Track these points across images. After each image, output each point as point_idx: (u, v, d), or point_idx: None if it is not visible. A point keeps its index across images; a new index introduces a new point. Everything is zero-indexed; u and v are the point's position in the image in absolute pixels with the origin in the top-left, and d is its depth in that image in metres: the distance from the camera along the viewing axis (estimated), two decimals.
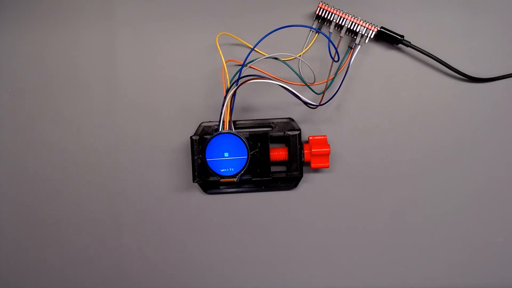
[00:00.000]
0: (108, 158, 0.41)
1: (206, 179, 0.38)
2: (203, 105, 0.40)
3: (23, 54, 0.41)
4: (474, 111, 0.41)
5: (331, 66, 0.39)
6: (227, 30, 0.39)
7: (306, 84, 0.38)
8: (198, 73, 0.40)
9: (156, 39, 0.41)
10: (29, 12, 0.40)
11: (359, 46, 0.39)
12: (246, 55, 0.37)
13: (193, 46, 0.40)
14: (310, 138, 0.39)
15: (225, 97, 0.36)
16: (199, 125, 0.40)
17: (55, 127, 0.41)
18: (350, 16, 0.38)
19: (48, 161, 0.41)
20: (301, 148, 0.39)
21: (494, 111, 0.41)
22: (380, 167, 0.41)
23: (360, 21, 0.38)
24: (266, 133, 0.38)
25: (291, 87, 0.35)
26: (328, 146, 0.39)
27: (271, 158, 0.38)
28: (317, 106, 0.38)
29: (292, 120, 0.40)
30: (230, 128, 0.36)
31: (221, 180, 0.36)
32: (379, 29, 0.39)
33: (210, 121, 0.40)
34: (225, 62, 0.36)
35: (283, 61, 0.38)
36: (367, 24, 0.38)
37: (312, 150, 0.38)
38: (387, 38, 0.39)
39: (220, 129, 0.36)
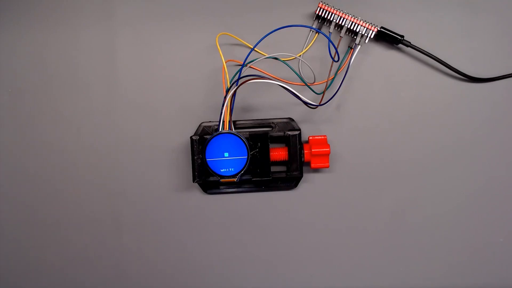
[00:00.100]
0: (108, 158, 0.41)
1: (206, 179, 0.38)
2: (203, 105, 0.40)
3: (23, 54, 0.41)
4: (474, 111, 0.41)
5: (331, 66, 0.39)
6: (227, 30, 0.39)
7: (306, 84, 0.38)
8: (198, 73, 0.40)
9: (156, 39, 0.41)
10: (29, 12, 0.40)
11: (359, 46, 0.39)
12: (246, 55, 0.37)
13: (193, 46, 0.40)
14: (310, 138, 0.39)
15: (225, 97, 0.36)
16: (199, 125, 0.40)
17: (55, 127, 0.41)
18: (350, 16, 0.38)
19: (48, 161, 0.41)
20: (301, 148, 0.39)
21: (494, 111, 0.41)
22: (380, 167, 0.41)
23: (360, 21, 0.38)
24: (266, 133, 0.38)
25: (291, 87, 0.35)
26: (328, 146, 0.39)
27: (271, 158, 0.38)
28: (317, 106, 0.38)
29: (292, 120, 0.40)
30: (230, 128, 0.36)
31: (221, 180, 0.36)
32: (379, 29, 0.39)
33: (210, 121, 0.40)
34: (225, 62, 0.36)
35: (283, 61, 0.38)
36: (367, 24, 0.38)
37: (312, 150, 0.38)
38: (387, 38, 0.39)
39: (220, 129, 0.36)
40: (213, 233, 0.41)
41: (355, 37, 0.39)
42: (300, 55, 0.40)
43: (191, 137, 0.38)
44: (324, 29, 0.40)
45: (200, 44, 0.40)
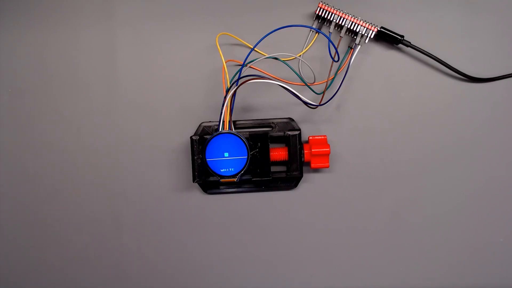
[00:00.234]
0: (108, 158, 0.41)
1: (206, 179, 0.38)
2: (203, 105, 0.40)
3: (23, 54, 0.41)
4: (474, 111, 0.41)
5: (331, 66, 0.39)
6: (227, 30, 0.39)
7: (306, 84, 0.38)
8: (198, 73, 0.40)
9: (156, 39, 0.41)
10: (29, 12, 0.40)
11: (359, 46, 0.39)
12: (246, 55, 0.37)
13: (193, 46, 0.40)
14: (310, 138, 0.39)
15: (225, 97, 0.36)
16: (199, 125, 0.40)
17: (55, 127, 0.41)
18: (350, 16, 0.38)
19: (48, 161, 0.41)
20: (301, 148, 0.39)
21: (494, 111, 0.41)
22: (380, 167, 0.41)
23: (360, 21, 0.38)
24: (266, 133, 0.38)
25: (291, 87, 0.35)
26: (328, 146, 0.39)
27: (271, 158, 0.38)
28: (317, 106, 0.38)
29: (292, 120, 0.40)
30: (230, 128, 0.36)
31: (221, 180, 0.36)
32: (379, 29, 0.39)
33: (210, 121, 0.40)
34: (225, 62, 0.36)
35: (283, 61, 0.38)
36: (367, 24, 0.38)
37: (312, 150, 0.38)
38: (387, 38, 0.39)
39: (220, 129, 0.36)
40: (213, 233, 0.41)
41: (355, 37, 0.39)
42: (300, 55, 0.40)
43: (191, 137, 0.38)
44: (324, 29, 0.40)
45: (200, 44, 0.40)
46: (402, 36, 0.39)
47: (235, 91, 0.36)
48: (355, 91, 0.40)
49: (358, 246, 0.41)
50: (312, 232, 0.41)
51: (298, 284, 0.41)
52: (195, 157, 0.38)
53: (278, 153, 0.39)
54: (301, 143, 0.39)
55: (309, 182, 0.41)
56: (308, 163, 0.39)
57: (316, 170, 0.41)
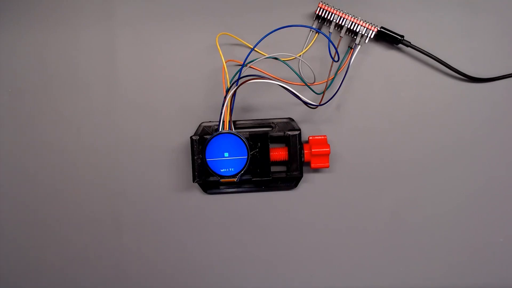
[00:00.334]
0: (108, 158, 0.41)
1: (206, 179, 0.38)
2: (203, 105, 0.40)
3: (23, 54, 0.41)
4: (474, 111, 0.41)
5: (331, 66, 0.39)
6: (227, 30, 0.39)
7: (306, 84, 0.38)
8: (198, 73, 0.40)
9: (156, 39, 0.41)
10: (29, 12, 0.40)
11: (359, 46, 0.39)
12: (246, 55, 0.37)
13: (193, 46, 0.40)
14: (310, 138, 0.39)
15: (225, 97, 0.36)
16: (199, 125, 0.40)
17: (55, 127, 0.41)
18: (350, 16, 0.38)
19: (48, 161, 0.41)
20: (301, 148, 0.39)
21: (494, 111, 0.41)
22: (380, 167, 0.41)
23: (360, 21, 0.38)
24: (266, 133, 0.38)
25: (291, 87, 0.35)
26: (328, 146, 0.39)
27: (271, 158, 0.38)
28: (317, 106, 0.38)
29: (292, 120, 0.40)
30: (230, 128, 0.36)
31: (221, 180, 0.36)
32: (379, 29, 0.39)
33: (210, 121, 0.40)
34: (225, 62, 0.36)
35: (283, 61, 0.38)
36: (367, 24, 0.38)
37: (312, 150, 0.38)
38: (387, 38, 0.39)
39: (220, 129, 0.36)
40: (213, 233, 0.41)
41: (355, 37, 0.39)
42: (300, 55, 0.40)
43: (191, 137, 0.38)
44: (324, 29, 0.40)
45: (200, 44, 0.40)
46: (402, 36, 0.39)
47: (235, 91, 0.36)
48: (355, 91, 0.40)
49: (358, 246, 0.41)
50: (312, 232, 0.41)
51: (298, 284, 0.41)
52: (195, 157, 0.38)
53: (278, 153, 0.39)
54: (301, 143, 0.39)
55: (309, 182, 0.41)
56: (308, 163, 0.39)
57: (316, 170, 0.41)
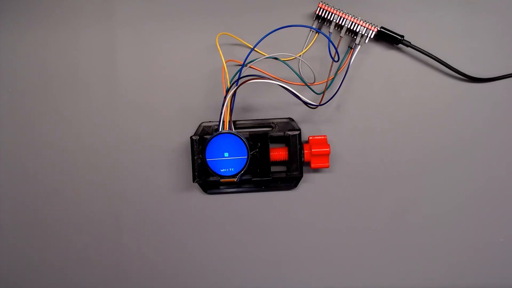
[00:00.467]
0: (108, 158, 0.41)
1: (206, 179, 0.38)
2: (203, 105, 0.40)
3: (23, 54, 0.41)
4: (474, 111, 0.41)
5: (331, 66, 0.39)
6: (227, 30, 0.39)
7: (306, 84, 0.38)
8: (198, 73, 0.40)
9: (156, 39, 0.41)
10: (29, 12, 0.40)
11: (359, 46, 0.39)
12: (246, 55, 0.37)
13: (193, 46, 0.40)
14: (310, 138, 0.39)
15: (225, 97, 0.36)
16: (199, 125, 0.40)
17: (55, 127, 0.41)
18: (350, 16, 0.38)
19: (48, 161, 0.41)
20: (301, 148, 0.39)
21: (494, 111, 0.41)
22: (380, 167, 0.41)
23: (360, 21, 0.38)
24: (266, 133, 0.38)
25: (291, 87, 0.35)
26: (328, 146, 0.39)
27: (271, 158, 0.38)
28: (317, 106, 0.38)
29: (292, 120, 0.40)
30: (230, 128, 0.36)
31: (221, 180, 0.36)
32: (379, 29, 0.39)
33: (210, 121, 0.40)
34: (225, 62, 0.36)
35: (283, 61, 0.38)
36: (367, 24, 0.38)
37: (312, 150, 0.38)
38: (387, 38, 0.39)
39: (220, 129, 0.36)
40: (213, 233, 0.41)
41: (355, 37, 0.39)
42: (300, 55, 0.40)
43: (191, 137, 0.38)
44: (324, 29, 0.40)
45: (200, 44, 0.40)
46: (402, 36, 0.39)
47: (235, 91, 0.36)
48: (355, 91, 0.40)
49: (358, 246, 0.41)
50: (312, 232, 0.41)
51: (298, 284, 0.41)
52: (195, 157, 0.38)
53: (278, 153, 0.39)
54: (301, 143, 0.39)
55: (309, 182, 0.41)
56: (308, 163, 0.39)
57: (316, 170, 0.41)
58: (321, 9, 0.39)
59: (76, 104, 0.41)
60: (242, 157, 0.36)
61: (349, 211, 0.41)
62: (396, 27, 0.39)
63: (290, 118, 0.40)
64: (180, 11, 0.40)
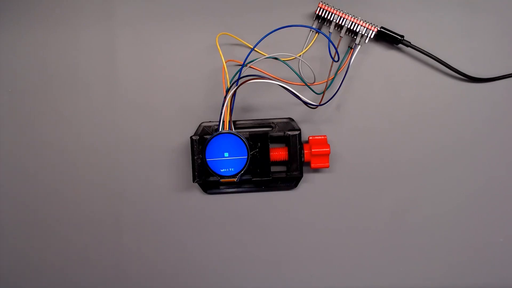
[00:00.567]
0: (108, 158, 0.41)
1: (206, 179, 0.38)
2: (203, 105, 0.40)
3: (23, 54, 0.41)
4: (474, 111, 0.41)
5: (331, 66, 0.39)
6: (227, 30, 0.39)
7: (306, 84, 0.38)
8: (198, 73, 0.40)
9: (156, 39, 0.41)
10: (29, 12, 0.40)
11: (359, 46, 0.39)
12: (246, 55, 0.37)
13: (193, 46, 0.40)
14: (310, 138, 0.39)
15: (225, 97, 0.36)
16: (199, 125, 0.40)
17: (55, 127, 0.41)
18: (350, 16, 0.38)
19: (48, 161, 0.41)
20: (301, 148, 0.39)
21: (494, 111, 0.41)
22: (380, 167, 0.41)
23: (360, 21, 0.38)
24: (266, 133, 0.38)
25: (291, 87, 0.35)
26: (328, 146, 0.39)
27: (271, 158, 0.38)
28: (317, 106, 0.38)
29: (292, 120, 0.40)
30: (230, 128, 0.36)
31: (221, 180, 0.36)
32: (379, 29, 0.39)
33: (210, 121, 0.40)
34: (225, 62, 0.36)
35: (283, 61, 0.38)
36: (367, 24, 0.38)
37: (312, 150, 0.38)
38: (387, 38, 0.39)
39: (220, 129, 0.36)
40: (213, 233, 0.41)
41: (355, 37, 0.39)
42: (300, 55, 0.40)
43: (191, 137, 0.38)
44: (324, 29, 0.40)
45: (200, 44, 0.40)
46: (402, 36, 0.39)
47: (235, 91, 0.36)
48: (355, 91, 0.40)
49: (358, 246, 0.41)
50: (312, 232, 0.41)
51: (298, 284, 0.41)
52: (195, 157, 0.38)
53: (278, 153, 0.39)
54: (301, 143, 0.39)
55: (309, 182, 0.41)
56: (308, 163, 0.39)
57: (316, 170, 0.41)
58: (321, 9, 0.39)
59: (76, 104, 0.41)
60: (242, 157, 0.36)
61: (349, 211, 0.41)
62: (396, 27, 0.39)
63: (290, 118, 0.40)
64: (180, 11, 0.40)
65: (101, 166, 0.41)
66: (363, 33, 0.39)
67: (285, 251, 0.41)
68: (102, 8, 0.41)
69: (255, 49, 0.38)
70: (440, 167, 0.41)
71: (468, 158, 0.41)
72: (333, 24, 0.39)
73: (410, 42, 0.39)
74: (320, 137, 0.39)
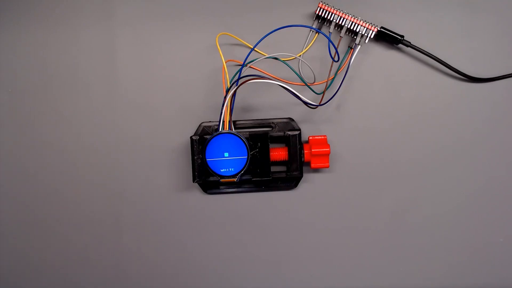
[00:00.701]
0: (108, 158, 0.41)
1: (206, 179, 0.38)
2: (203, 105, 0.40)
3: (23, 54, 0.41)
4: (474, 111, 0.41)
5: (331, 66, 0.39)
6: (227, 30, 0.39)
7: (306, 84, 0.38)
8: (198, 73, 0.40)
9: (156, 39, 0.41)
10: (29, 12, 0.40)
11: (359, 46, 0.39)
12: (246, 55, 0.37)
13: (193, 46, 0.40)
14: (310, 138, 0.39)
15: (225, 97, 0.36)
16: (199, 125, 0.40)
17: (55, 127, 0.41)
18: (350, 16, 0.38)
19: (48, 161, 0.41)
20: (301, 148, 0.39)
21: (494, 111, 0.41)
22: (380, 167, 0.41)
23: (360, 21, 0.38)
24: (266, 133, 0.38)
25: (291, 87, 0.35)
26: (328, 146, 0.39)
27: (271, 158, 0.38)
28: (317, 106, 0.38)
29: (292, 120, 0.40)
30: (230, 128, 0.36)
31: (221, 180, 0.36)
32: (379, 29, 0.39)
33: (210, 121, 0.40)
34: (225, 62, 0.36)
35: (283, 61, 0.38)
36: (367, 24, 0.38)
37: (312, 150, 0.38)
38: (387, 38, 0.39)
39: (220, 129, 0.36)
40: (213, 233, 0.41)
41: (355, 37, 0.39)
42: (300, 55, 0.40)
43: (191, 137, 0.38)
44: (324, 29, 0.40)
45: (200, 44, 0.40)
46: (402, 36, 0.39)
47: (235, 91, 0.36)
48: (355, 91, 0.40)
49: (358, 246, 0.41)
50: (312, 232, 0.41)
51: (298, 284, 0.41)
52: (195, 157, 0.38)
53: (278, 153, 0.39)
54: (301, 143, 0.39)
55: (309, 182, 0.41)
56: (308, 163, 0.39)
57: (316, 170, 0.41)
58: (321, 9, 0.39)
59: (76, 104, 0.41)
60: (242, 157, 0.36)
61: (349, 211, 0.41)
62: (396, 27, 0.39)
63: (290, 118, 0.40)
64: (180, 11, 0.40)
65: (101, 166, 0.41)
66: (363, 33, 0.39)
67: (285, 251, 0.41)
68: (102, 8, 0.41)
69: (255, 49, 0.38)
70: (440, 167, 0.41)
71: (468, 158, 0.41)
72: (333, 24, 0.39)
73: (410, 42, 0.39)
74: (320, 137, 0.39)
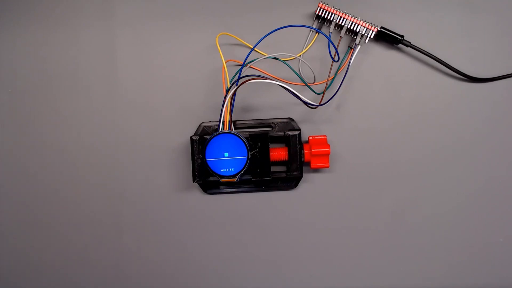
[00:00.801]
0: (108, 158, 0.41)
1: (206, 179, 0.38)
2: (203, 105, 0.40)
3: (23, 54, 0.41)
4: (474, 111, 0.41)
5: (331, 66, 0.39)
6: (227, 30, 0.39)
7: (306, 84, 0.38)
8: (198, 73, 0.40)
9: (156, 39, 0.41)
10: (29, 12, 0.40)
11: (359, 46, 0.39)
12: (246, 55, 0.37)
13: (193, 46, 0.40)
14: (310, 138, 0.39)
15: (225, 97, 0.36)
16: (199, 125, 0.40)
17: (55, 127, 0.41)
18: (350, 16, 0.38)
19: (48, 161, 0.41)
20: (301, 148, 0.39)
21: (494, 111, 0.41)
22: (380, 167, 0.41)
23: (360, 21, 0.38)
24: (266, 133, 0.38)
25: (291, 87, 0.35)
26: (328, 146, 0.39)
27: (271, 158, 0.38)
28: (317, 106, 0.38)
29: (292, 120, 0.40)
30: (230, 128, 0.36)
31: (221, 180, 0.36)
32: (379, 29, 0.39)
33: (210, 121, 0.40)
34: (225, 62, 0.36)
35: (283, 61, 0.38)
36: (367, 24, 0.38)
37: (312, 150, 0.38)
38: (387, 38, 0.39)
39: (220, 129, 0.36)
40: (213, 233, 0.41)
41: (355, 37, 0.39)
42: (300, 55, 0.40)
43: (191, 137, 0.38)
44: (324, 29, 0.40)
45: (200, 44, 0.40)
46: (402, 36, 0.39)
47: (235, 91, 0.36)
48: (355, 91, 0.40)
49: (358, 246, 0.41)
50: (312, 232, 0.41)
51: (298, 284, 0.41)
52: (195, 157, 0.38)
53: (278, 153, 0.39)
54: (301, 143, 0.39)
55: (309, 182, 0.41)
56: (308, 163, 0.39)
57: (316, 170, 0.41)
58: (321, 9, 0.39)
59: (76, 104, 0.41)
60: (242, 157, 0.36)
61: (349, 211, 0.41)
62: (396, 27, 0.39)
63: (290, 118, 0.40)
64: (180, 11, 0.40)
65: (101, 166, 0.41)
66: (363, 33, 0.39)
67: (285, 251, 0.41)
68: (102, 8, 0.41)
69: (255, 49, 0.38)
70: (440, 167, 0.41)
71: (468, 158, 0.41)
72: (333, 24, 0.39)
73: (410, 42, 0.39)
74: (320, 137, 0.39)
